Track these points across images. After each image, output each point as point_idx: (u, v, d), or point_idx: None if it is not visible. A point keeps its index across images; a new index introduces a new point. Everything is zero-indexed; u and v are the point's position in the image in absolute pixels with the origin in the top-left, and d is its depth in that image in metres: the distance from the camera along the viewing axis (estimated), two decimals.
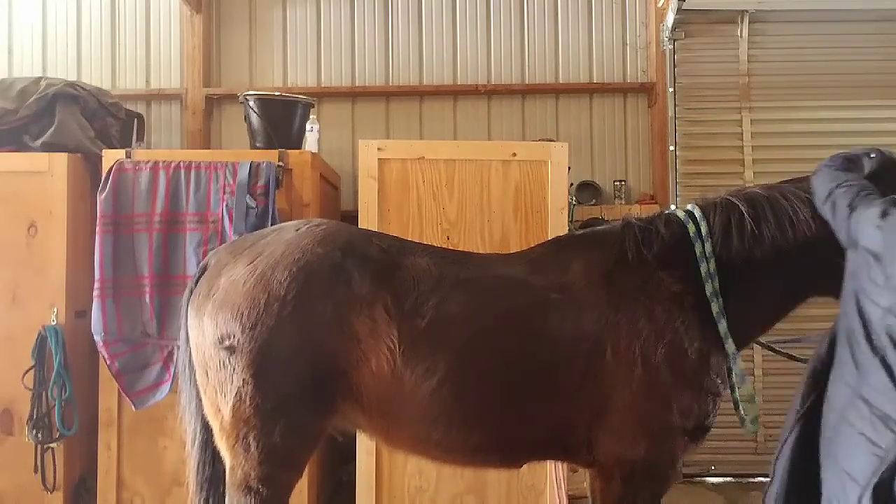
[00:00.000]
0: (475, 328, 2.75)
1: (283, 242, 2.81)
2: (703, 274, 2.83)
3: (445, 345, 2.71)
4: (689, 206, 3.05)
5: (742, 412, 2.88)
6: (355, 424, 2.92)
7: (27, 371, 4.30)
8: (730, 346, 2.77)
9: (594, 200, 5.93)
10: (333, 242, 2.80)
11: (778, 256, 2.83)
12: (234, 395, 2.67)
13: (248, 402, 2.66)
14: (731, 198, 2.96)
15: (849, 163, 2.72)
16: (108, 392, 4.37)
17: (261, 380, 2.65)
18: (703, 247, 2.88)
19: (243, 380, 2.66)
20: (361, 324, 2.68)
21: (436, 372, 2.68)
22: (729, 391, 2.94)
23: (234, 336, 2.67)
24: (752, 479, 5.45)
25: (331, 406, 2.75)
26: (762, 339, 3.21)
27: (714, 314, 2.79)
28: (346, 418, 2.85)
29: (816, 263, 2.81)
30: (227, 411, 2.70)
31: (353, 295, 2.70)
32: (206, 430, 2.87)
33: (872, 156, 2.77)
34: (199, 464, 2.94)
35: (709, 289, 2.82)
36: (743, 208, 2.88)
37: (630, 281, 2.85)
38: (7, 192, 4.45)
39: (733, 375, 2.89)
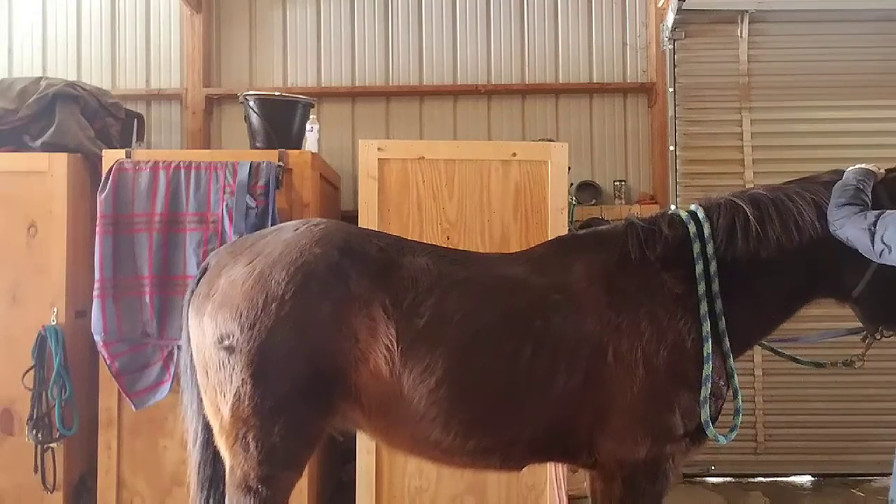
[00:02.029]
0: (474, 328, 2.74)
1: (281, 242, 2.81)
2: (697, 274, 2.83)
3: (444, 345, 2.70)
4: (692, 207, 3.04)
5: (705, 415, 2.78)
6: (355, 424, 2.91)
7: (27, 371, 4.30)
8: (707, 348, 2.76)
9: (594, 200, 5.93)
10: (331, 242, 2.80)
11: (782, 258, 2.83)
12: (233, 394, 2.67)
13: (246, 402, 2.66)
14: (735, 199, 2.96)
15: (857, 197, 2.76)
16: (108, 392, 4.37)
17: (259, 380, 2.65)
18: (702, 247, 2.87)
19: (242, 379, 2.66)
20: (359, 323, 2.68)
21: (434, 372, 2.68)
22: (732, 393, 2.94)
23: (232, 336, 2.67)
24: (751, 479, 5.46)
25: (330, 406, 2.74)
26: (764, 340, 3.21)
27: (701, 315, 2.78)
28: (346, 418, 2.84)
29: (821, 265, 2.81)
30: (226, 411, 2.70)
31: (351, 294, 2.70)
32: (207, 429, 2.87)
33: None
34: (199, 463, 2.94)
35: (701, 289, 2.81)
36: (748, 210, 2.87)
37: (632, 282, 2.85)
38: (7, 192, 4.45)
39: (735, 378, 2.88)
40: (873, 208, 2.72)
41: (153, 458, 4.39)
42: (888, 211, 2.64)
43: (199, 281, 2.91)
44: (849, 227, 2.69)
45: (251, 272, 2.72)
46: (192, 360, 2.88)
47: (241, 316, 2.67)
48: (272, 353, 2.66)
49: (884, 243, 2.56)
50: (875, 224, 2.61)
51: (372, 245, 2.85)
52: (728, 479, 5.50)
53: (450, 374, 2.68)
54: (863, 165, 2.92)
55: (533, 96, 6.12)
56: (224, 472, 2.82)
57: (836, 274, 2.82)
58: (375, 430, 2.90)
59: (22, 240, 4.45)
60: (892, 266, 2.61)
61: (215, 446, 2.84)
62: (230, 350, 2.67)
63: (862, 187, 2.79)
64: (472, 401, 2.74)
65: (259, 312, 2.66)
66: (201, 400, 2.86)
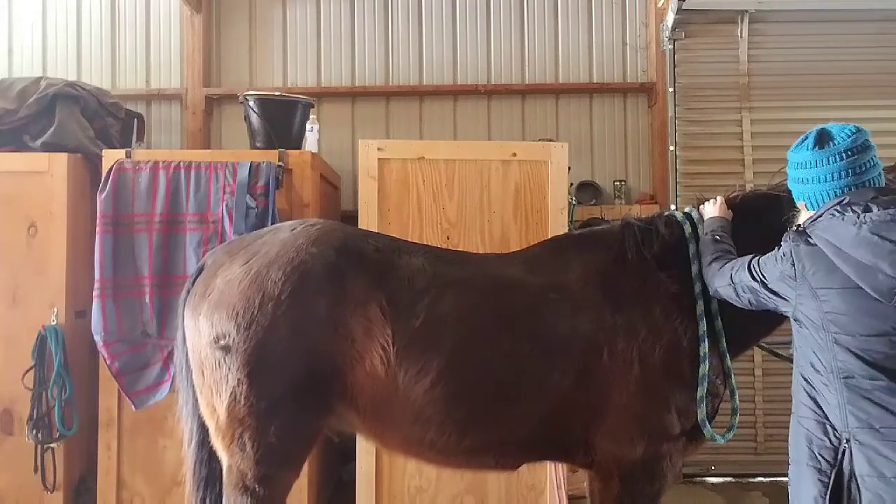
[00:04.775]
0: (470, 328, 2.75)
1: (278, 242, 2.81)
2: (693, 274, 2.84)
3: (439, 345, 2.71)
4: (687, 209, 3.07)
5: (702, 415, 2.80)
6: (350, 425, 2.91)
7: (27, 371, 4.30)
8: (704, 347, 2.77)
9: (594, 200, 5.92)
10: (328, 242, 2.80)
11: None
12: (229, 394, 2.68)
13: (242, 402, 2.66)
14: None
15: (718, 248, 2.79)
16: (108, 392, 4.37)
17: (255, 379, 2.65)
18: (697, 247, 2.88)
19: (238, 379, 2.66)
20: (356, 323, 2.69)
21: (429, 372, 2.68)
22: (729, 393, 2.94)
23: (229, 336, 2.67)
24: (751, 480, 5.45)
25: (326, 406, 2.75)
26: (763, 342, 3.22)
27: (697, 314, 2.79)
28: (342, 419, 2.84)
29: None
30: (222, 411, 2.70)
31: (348, 294, 2.70)
32: (203, 429, 2.88)
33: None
34: (195, 463, 2.95)
35: (697, 288, 2.83)
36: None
37: (629, 281, 2.86)
38: (7, 192, 4.45)
39: (732, 379, 2.89)
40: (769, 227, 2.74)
41: (153, 458, 4.39)
42: (736, 260, 2.66)
43: (195, 280, 2.91)
44: (718, 285, 2.71)
45: (248, 272, 2.73)
46: (187, 359, 2.88)
47: (237, 315, 2.67)
48: (268, 353, 2.66)
49: (747, 292, 2.59)
50: (732, 277, 2.63)
51: (368, 245, 2.85)
52: (728, 479, 5.50)
53: (445, 374, 2.69)
54: (712, 215, 2.93)
55: (533, 96, 6.12)
56: (220, 471, 2.82)
57: None
58: (370, 430, 2.90)
59: (22, 240, 4.45)
60: None
61: (211, 446, 2.85)
62: (226, 350, 2.67)
63: (719, 237, 2.82)
64: (467, 400, 2.75)
65: (255, 312, 2.66)
66: (196, 400, 2.86)
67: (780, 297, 2.48)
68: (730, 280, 2.63)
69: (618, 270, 2.89)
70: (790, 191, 2.70)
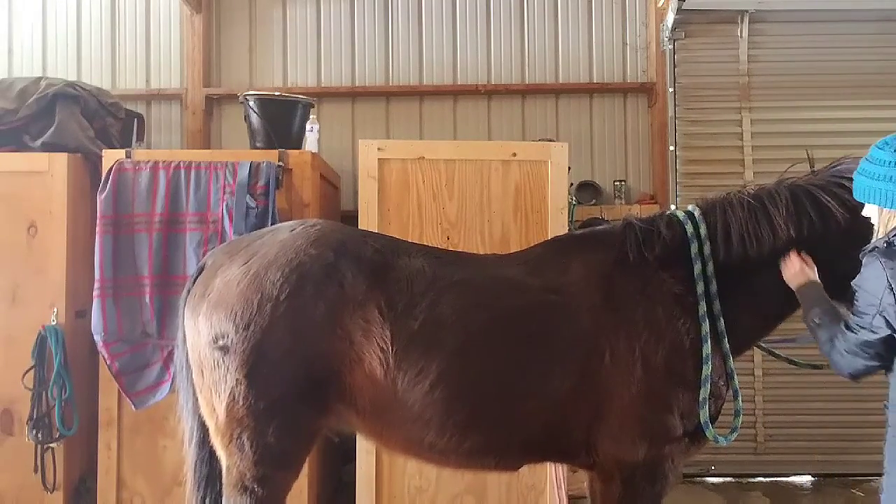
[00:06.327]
0: (469, 329, 2.74)
1: (277, 243, 2.81)
2: (696, 274, 2.83)
3: (439, 346, 2.70)
4: (689, 208, 3.05)
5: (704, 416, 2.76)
6: (349, 426, 2.91)
7: (27, 371, 4.30)
8: (706, 348, 2.76)
9: (594, 200, 5.93)
10: (327, 243, 2.80)
11: (777, 258, 2.82)
12: (227, 394, 2.68)
13: (241, 402, 2.67)
14: (731, 198, 2.97)
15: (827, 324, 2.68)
16: (108, 392, 4.37)
17: (254, 380, 2.66)
18: (699, 247, 2.87)
19: (236, 380, 2.66)
20: (354, 325, 2.68)
21: (429, 374, 2.68)
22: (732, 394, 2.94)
23: (227, 336, 2.67)
24: (751, 479, 5.45)
25: (324, 407, 2.75)
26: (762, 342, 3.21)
27: (699, 315, 2.78)
28: (341, 419, 2.84)
29: (819, 263, 2.80)
30: (221, 411, 2.71)
31: (346, 295, 2.70)
32: (203, 428, 2.89)
33: None
34: (195, 462, 2.95)
35: (699, 289, 2.81)
36: (743, 210, 2.87)
37: (631, 282, 2.85)
38: (7, 192, 4.45)
39: (735, 379, 2.88)
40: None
41: (153, 458, 4.39)
42: (836, 333, 2.59)
43: (195, 281, 2.92)
44: (848, 369, 2.61)
45: (246, 272, 2.73)
46: (187, 359, 2.88)
47: (235, 316, 2.67)
48: (266, 354, 2.66)
49: (869, 348, 2.51)
50: (845, 352, 2.55)
51: (367, 246, 2.85)
52: (728, 479, 5.50)
53: (445, 376, 2.68)
54: (797, 284, 2.79)
55: (533, 96, 6.12)
56: (220, 470, 2.83)
57: (833, 270, 2.81)
58: (370, 431, 2.90)
59: (22, 240, 4.45)
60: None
61: (211, 445, 2.85)
62: (225, 350, 2.68)
63: (818, 321, 2.69)
64: (467, 403, 2.74)
65: (254, 313, 2.66)
66: (197, 399, 2.87)
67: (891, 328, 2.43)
68: (849, 357, 2.54)
69: (619, 271, 2.87)
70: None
